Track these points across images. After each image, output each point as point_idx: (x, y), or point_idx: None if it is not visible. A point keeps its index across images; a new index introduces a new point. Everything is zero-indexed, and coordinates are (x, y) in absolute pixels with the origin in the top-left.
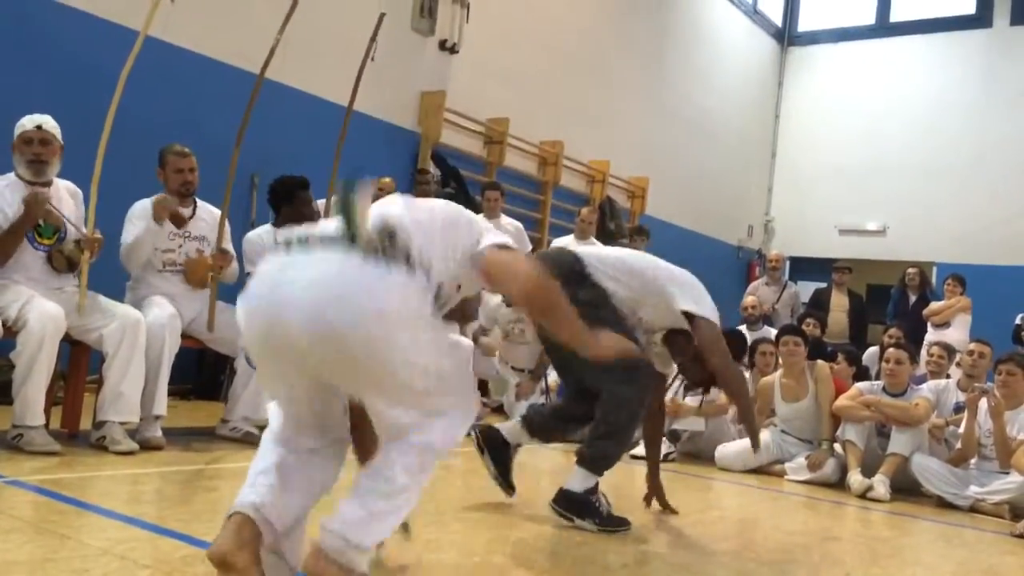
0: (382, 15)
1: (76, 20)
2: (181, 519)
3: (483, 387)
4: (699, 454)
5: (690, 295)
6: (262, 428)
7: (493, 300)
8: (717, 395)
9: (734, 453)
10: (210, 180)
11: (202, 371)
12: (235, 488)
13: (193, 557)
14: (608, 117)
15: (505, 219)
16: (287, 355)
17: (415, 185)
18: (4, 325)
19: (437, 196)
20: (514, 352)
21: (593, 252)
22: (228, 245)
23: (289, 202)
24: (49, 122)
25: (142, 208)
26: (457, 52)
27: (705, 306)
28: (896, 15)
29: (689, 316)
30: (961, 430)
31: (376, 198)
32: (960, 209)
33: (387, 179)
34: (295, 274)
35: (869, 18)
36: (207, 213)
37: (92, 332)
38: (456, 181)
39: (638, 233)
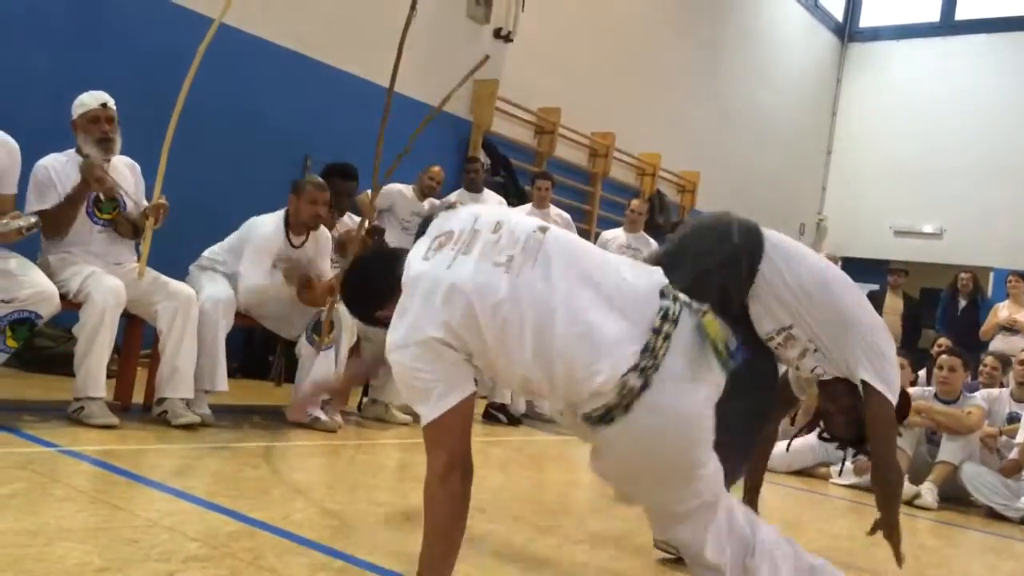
0: None
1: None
2: (228, 495)
3: None
4: None
5: (876, 367)
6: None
7: None
8: None
9: (778, 455)
10: (263, 160)
11: (249, 350)
12: (279, 467)
13: (239, 532)
14: (660, 110)
15: (554, 210)
16: None
17: (464, 173)
18: (64, 298)
19: (486, 185)
20: None
21: (790, 254)
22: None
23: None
24: (110, 99)
25: (267, 239)
26: (511, 41)
27: (890, 382)
28: (961, 13)
29: (865, 384)
30: (1017, 440)
31: (427, 186)
32: (1020, 213)
33: (436, 167)
34: None
35: (934, 15)
36: (315, 240)
37: (148, 307)
38: (506, 170)
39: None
